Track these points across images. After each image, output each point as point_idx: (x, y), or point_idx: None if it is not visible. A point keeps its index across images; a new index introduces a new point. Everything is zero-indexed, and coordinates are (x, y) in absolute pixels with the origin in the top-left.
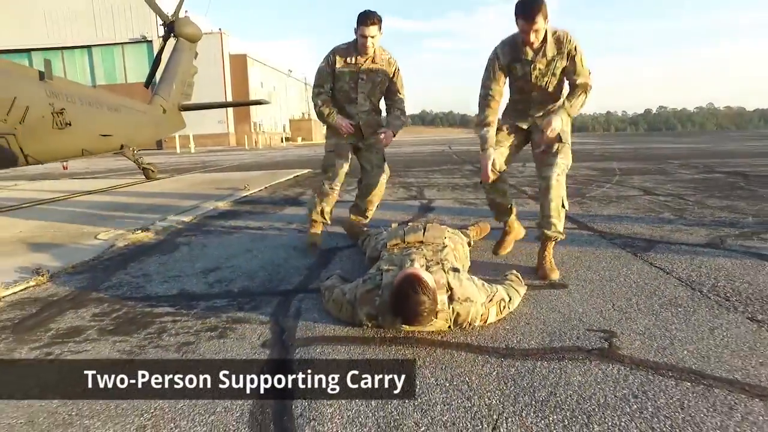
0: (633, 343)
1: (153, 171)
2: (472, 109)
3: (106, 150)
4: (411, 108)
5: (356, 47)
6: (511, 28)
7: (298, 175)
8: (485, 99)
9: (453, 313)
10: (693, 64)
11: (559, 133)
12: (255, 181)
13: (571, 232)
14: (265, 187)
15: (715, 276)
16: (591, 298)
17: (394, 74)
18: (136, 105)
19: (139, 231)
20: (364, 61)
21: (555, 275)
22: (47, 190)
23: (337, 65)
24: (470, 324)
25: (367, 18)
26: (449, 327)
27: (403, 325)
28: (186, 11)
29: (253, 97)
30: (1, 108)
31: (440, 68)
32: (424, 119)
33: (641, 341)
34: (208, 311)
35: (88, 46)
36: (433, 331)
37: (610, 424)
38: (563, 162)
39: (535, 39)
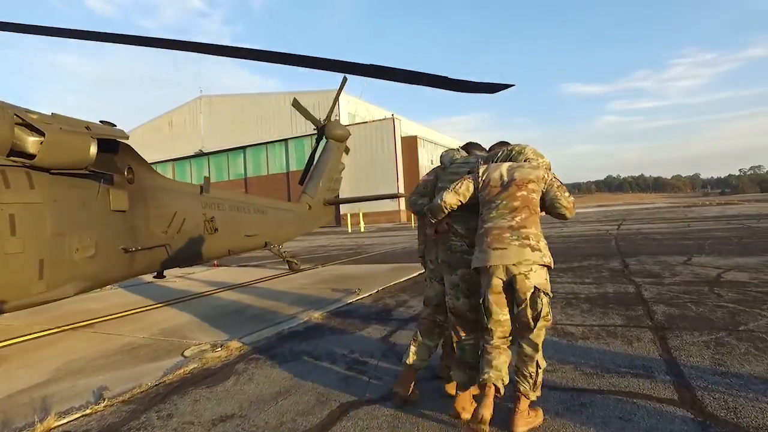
0: None
1: (296, 264)
2: (667, 171)
3: (251, 248)
4: (596, 174)
5: None
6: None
7: (423, 272)
8: None
9: None
10: None
11: None
12: (376, 280)
13: (660, 408)
14: (378, 291)
15: None
16: None
17: None
18: (282, 205)
19: (219, 348)
20: None
21: None
22: (204, 281)
23: None
24: None
25: None
26: None
27: None
28: (337, 116)
29: (423, 174)
30: (163, 222)
31: (626, 130)
32: (611, 185)
33: None
34: None
35: (285, 140)
36: None
37: None
38: None
39: None
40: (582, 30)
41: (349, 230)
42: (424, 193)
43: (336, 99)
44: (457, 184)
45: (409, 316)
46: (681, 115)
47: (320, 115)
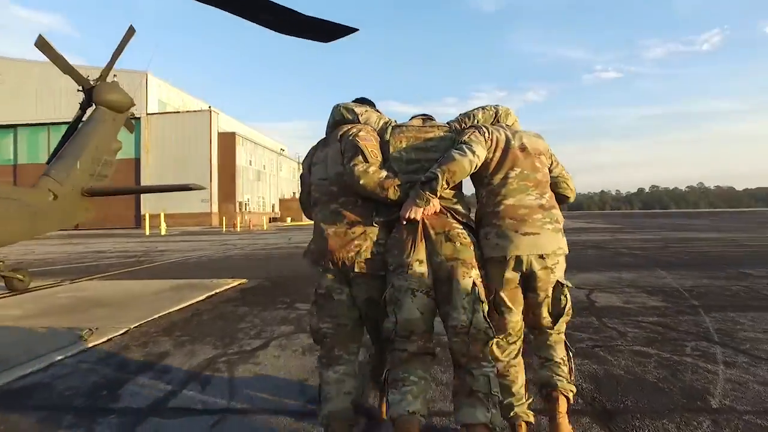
0: None
1: (21, 280)
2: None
3: None
4: None
5: None
6: None
7: (216, 293)
8: None
9: None
10: (681, 145)
11: None
12: (136, 308)
13: None
14: (127, 330)
15: None
16: None
17: None
18: None
19: None
20: None
21: None
22: None
23: None
24: None
25: None
26: None
27: None
28: (115, 76)
29: (240, 175)
30: None
31: None
32: None
33: None
34: None
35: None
36: None
37: None
38: None
39: None
40: (400, 54)
41: (147, 233)
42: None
43: (118, 52)
44: (473, 137)
45: (152, 402)
46: None
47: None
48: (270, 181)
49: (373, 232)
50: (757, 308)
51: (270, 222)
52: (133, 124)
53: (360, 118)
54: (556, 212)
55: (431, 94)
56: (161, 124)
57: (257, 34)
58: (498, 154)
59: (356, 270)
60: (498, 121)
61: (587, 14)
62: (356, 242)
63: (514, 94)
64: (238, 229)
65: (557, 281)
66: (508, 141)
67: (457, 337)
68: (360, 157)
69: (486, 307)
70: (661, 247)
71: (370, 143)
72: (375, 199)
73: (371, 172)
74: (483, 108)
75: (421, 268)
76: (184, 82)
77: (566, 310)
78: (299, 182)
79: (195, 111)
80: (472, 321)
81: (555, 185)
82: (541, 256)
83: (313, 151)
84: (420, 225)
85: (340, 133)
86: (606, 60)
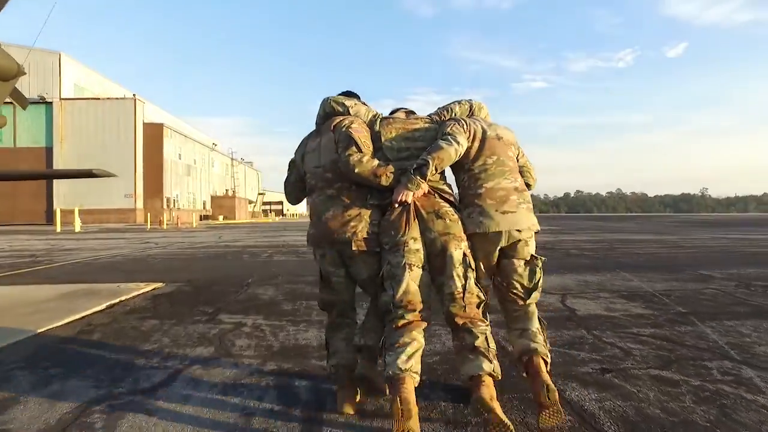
0: None
1: None
2: None
3: None
4: None
5: None
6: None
7: (120, 301)
8: None
9: None
10: (601, 153)
11: None
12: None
13: None
14: None
15: None
16: None
17: None
18: None
19: None
20: None
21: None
22: None
23: None
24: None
25: None
26: None
27: None
28: None
29: (168, 169)
30: None
31: None
32: None
33: None
34: None
35: None
36: None
37: None
38: None
39: None
40: (337, 55)
41: (58, 229)
42: (368, 152)
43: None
44: (454, 128)
45: None
46: None
47: (32, 80)
48: (201, 176)
49: (368, 213)
50: (748, 315)
51: (200, 220)
52: (26, 99)
53: (350, 111)
54: (527, 194)
55: (370, 96)
56: (78, 111)
57: (189, 23)
58: (476, 143)
59: (354, 248)
60: (472, 114)
61: (518, 26)
62: (352, 223)
63: (449, 99)
64: (165, 226)
65: (531, 255)
66: (484, 132)
67: (454, 302)
68: (354, 148)
69: (475, 274)
70: (607, 248)
71: (362, 134)
72: (368, 185)
73: (365, 161)
74: (459, 102)
75: (416, 244)
76: (106, 67)
77: (538, 284)
78: (288, 168)
79: (117, 98)
80: (466, 287)
81: (520, 174)
82: (518, 231)
83: (306, 141)
84: (412, 206)
85: (333, 124)
86: (535, 71)
